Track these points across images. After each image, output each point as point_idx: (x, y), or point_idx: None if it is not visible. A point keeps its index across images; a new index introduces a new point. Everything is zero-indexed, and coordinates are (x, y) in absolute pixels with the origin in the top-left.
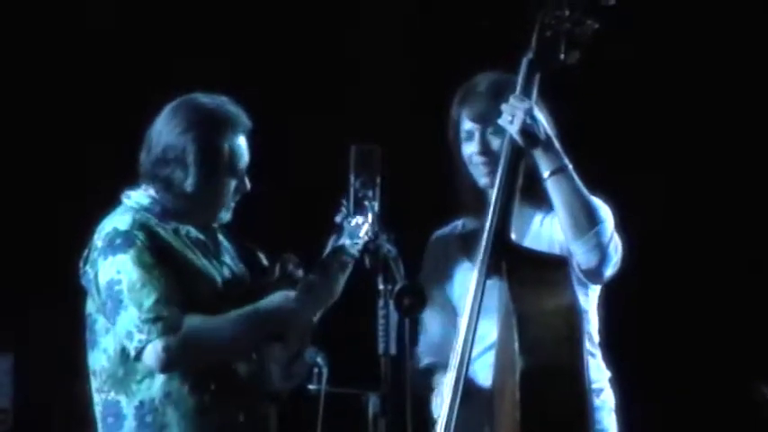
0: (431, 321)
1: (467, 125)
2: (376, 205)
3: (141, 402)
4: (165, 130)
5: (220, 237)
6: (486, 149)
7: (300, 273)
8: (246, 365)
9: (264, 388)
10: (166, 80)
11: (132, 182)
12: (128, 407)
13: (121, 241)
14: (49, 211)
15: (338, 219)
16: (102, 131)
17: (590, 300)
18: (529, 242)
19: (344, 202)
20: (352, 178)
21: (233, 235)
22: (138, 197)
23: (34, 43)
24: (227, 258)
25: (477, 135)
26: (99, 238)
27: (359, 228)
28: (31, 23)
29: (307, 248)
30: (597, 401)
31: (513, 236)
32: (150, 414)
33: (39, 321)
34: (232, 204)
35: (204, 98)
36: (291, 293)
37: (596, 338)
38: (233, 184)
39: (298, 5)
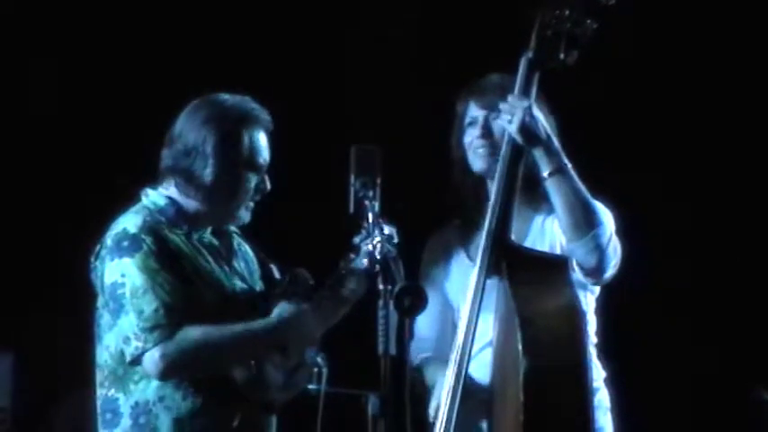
0: (426, 318)
1: (473, 112)
2: (376, 205)
3: (137, 402)
4: (186, 125)
5: (238, 243)
6: (486, 133)
7: (310, 287)
8: (243, 372)
9: (262, 396)
10: (169, 81)
11: (141, 183)
12: (125, 405)
13: (129, 244)
14: (50, 212)
15: (357, 240)
16: (102, 134)
17: (589, 302)
18: (530, 243)
19: (365, 224)
20: (352, 179)
21: (253, 244)
22: (155, 197)
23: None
24: (240, 265)
25: (480, 120)
26: (109, 237)
27: (375, 247)
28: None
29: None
30: (593, 401)
31: (513, 236)
32: (144, 415)
33: (38, 321)
34: (251, 204)
35: (225, 95)
36: (299, 308)
37: (594, 339)
38: (252, 179)
39: (298, 6)
